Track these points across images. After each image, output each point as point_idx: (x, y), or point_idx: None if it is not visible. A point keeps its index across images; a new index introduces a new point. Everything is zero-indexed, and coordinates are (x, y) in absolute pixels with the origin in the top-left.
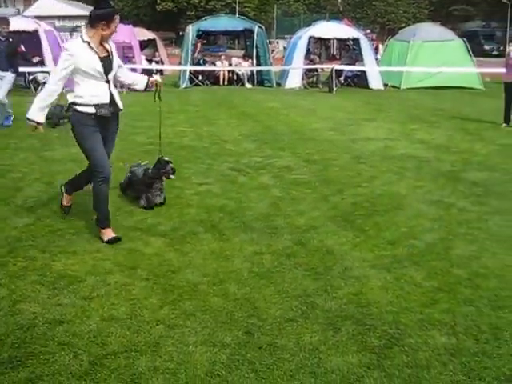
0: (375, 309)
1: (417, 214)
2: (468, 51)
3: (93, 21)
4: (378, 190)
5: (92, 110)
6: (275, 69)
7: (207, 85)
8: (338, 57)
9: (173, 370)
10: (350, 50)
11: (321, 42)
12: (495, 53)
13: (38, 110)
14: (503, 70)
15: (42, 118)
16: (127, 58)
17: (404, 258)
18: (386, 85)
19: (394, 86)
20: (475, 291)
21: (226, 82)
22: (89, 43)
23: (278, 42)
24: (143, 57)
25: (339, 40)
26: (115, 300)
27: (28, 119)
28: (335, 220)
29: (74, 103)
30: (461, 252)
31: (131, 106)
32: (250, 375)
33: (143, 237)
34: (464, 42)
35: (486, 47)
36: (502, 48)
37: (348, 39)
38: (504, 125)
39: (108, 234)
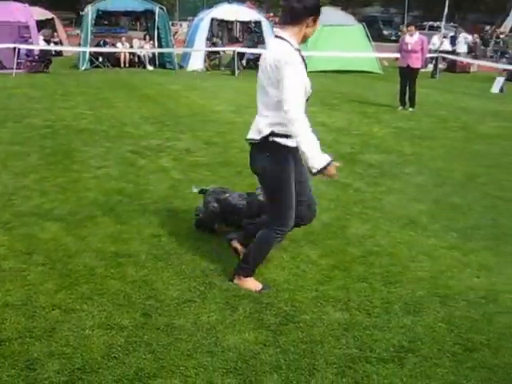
0: (272, 287)
1: (314, 194)
2: (367, 36)
3: (298, 15)
4: None
5: (293, 143)
6: (177, 51)
7: (108, 67)
8: (240, 39)
9: (69, 354)
10: (252, 32)
11: (223, 25)
12: (393, 38)
13: (319, 154)
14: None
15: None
16: (23, 39)
17: (301, 238)
18: None
19: None
20: (369, 268)
21: (127, 64)
22: (299, 51)
23: (181, 25)
24: (41, 37)
25: (241, 22)
26: (10, 286)
27: (319, 171)
28: None
29: (273, 133)
30: (356, 231)
31: (26, 87)
32: (147, 356)
33: (39, 222)
34: (363, 26)
35: (385, 32)
36: (399, 33)
37: (250, 22)
38: (400, 108)
39: (253, 282)
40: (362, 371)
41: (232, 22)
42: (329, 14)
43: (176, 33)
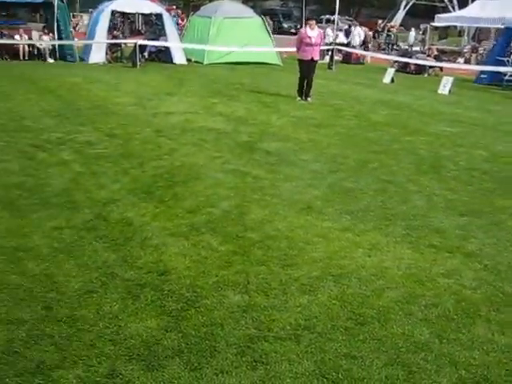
0: (173, 275)
1: (214, 183)
2: (266, 28)
3: None
4: (178, 161)
5: None
6: (78, 43)
7: (6, 59)
8: (142, 32)
9: None
10: (153, 25)
11: (124, 17)
12: (293, 31)
13: None
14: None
15: None
16: None
17: (201, 225)
18: (189, 60)
19: (197, 62)
20: (267, 252)
21: (26, 57)
22: None
23: (81, 16)
24: None
25: (143, 15)
26: None
27: None
28: (135, 192)
29: None
30: (254, 217)
31: None
32: (49, 348)
33: None
34: (263, 19)
35: (285, 25)
36: (298, 26)
37: (151, 14)
38: (298, 98)
39: None
40: (260, 350)
41: (134, 15)
42: (229, 6)
43: (77, 25)
